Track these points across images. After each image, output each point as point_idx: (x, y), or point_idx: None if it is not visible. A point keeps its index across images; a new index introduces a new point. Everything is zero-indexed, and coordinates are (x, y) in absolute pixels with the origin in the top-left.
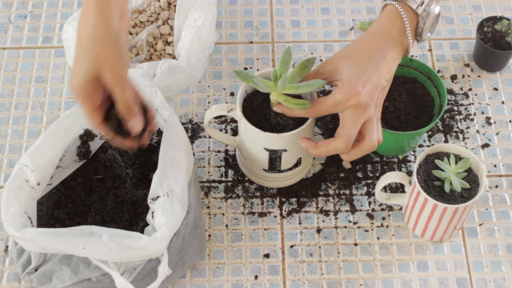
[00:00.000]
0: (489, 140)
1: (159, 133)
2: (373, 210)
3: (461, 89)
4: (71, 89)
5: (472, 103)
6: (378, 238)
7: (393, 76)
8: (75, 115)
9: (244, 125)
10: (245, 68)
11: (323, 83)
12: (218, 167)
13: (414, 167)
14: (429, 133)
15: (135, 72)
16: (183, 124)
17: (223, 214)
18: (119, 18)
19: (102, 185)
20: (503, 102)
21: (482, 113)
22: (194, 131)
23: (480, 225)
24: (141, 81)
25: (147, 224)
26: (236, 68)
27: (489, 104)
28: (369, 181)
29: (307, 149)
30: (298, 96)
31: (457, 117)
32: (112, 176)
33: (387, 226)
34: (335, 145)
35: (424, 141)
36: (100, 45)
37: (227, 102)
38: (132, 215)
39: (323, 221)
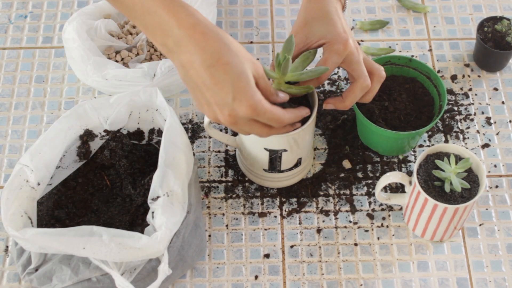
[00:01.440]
0: (489, 140)
1: (159, 133)
2: (373, 210)
3: (461, 89)
4: (252, 108)
5: (472, 103)
6: (378, 238)
7: None
8: (75, 115)
9: None
10: None
11: (326, 69)
12: (218, 167)
13: (414, 167)
14: (429, 133)
15: (135, 72)
16: (183, 124)
17: (223, 214)
18: None
19: (102, 185)
20: (503, 102)
21: (482, 113)
22: (194, 131)
23: (480, 225)
24: (141, 81)
25: (147, 224)
26: None
27: (489, 104)
28: (369, 181)
29: (336, 107)
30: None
31: (457, 117)
32: (112, 176)
33: (387, 226)
34: (359, 86)
35: (424, 141)
36: (239, 47)
37: None
38: (132, 215)
39: (323, 221)
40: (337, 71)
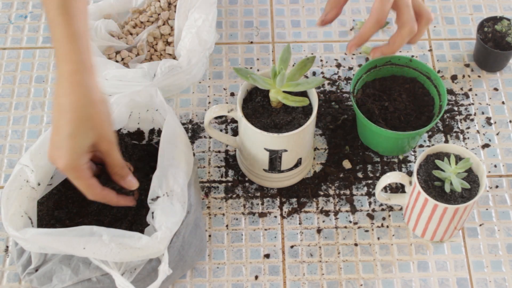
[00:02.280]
0: (489, 140)
1: (159, 133)
2: (373, 210)
3: (461, 89)
4: (65, 169)
5: (472, 103)
6: (378, 238)
7: None
8: None
9: (245, 125)
10: (245, 68)
11: (322, 80)
12: (218, 167)
13: (415, 167)
14: (429, 133)
15: (135, 72)
16: (183, 124)
17: (223, 214)
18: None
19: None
20: (503, 102)
21: (483, 113)
22: (194, 131)
23: (480, 225)
24: (141, 81)
25: (147, 224)
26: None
27: (489, 104)
28: (369, 181)
29: (384, 53)
30: (297, 95)
31: (457, 117)
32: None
33: (387, 226)
34: (407, 31)
35: (425, 141)
36: (96, 113)
37: (227, 103)
38: (132, 216)
39: (323, 221)
40: (337, 71)
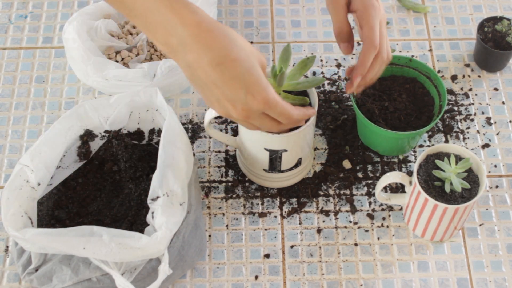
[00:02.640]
0: (490, 140)
1: (159, 133)
2: (373, 210)
3: (462, 89)
4: (270, 101)
5: (473, 103)
6: (378, 238)
7: None
8: (76, 115)
9: None
10: None
11: (322, 80)
12: (218, 167)
13: (415, 167)
14: (429, 133)
15: (135, 72)
16: (183, 124)
17: (223, 214)
18: None
19: (102, 185)
20: (503, 102)
21: (483, 113)
22: (194, 131)
23: (480, 225)
24: (141, 81)
25: (147, 224)
26: None
27: (489, 104)
28: (369, 181)
29: (363, 84)
30: (298, 94)
31: (458, 117)
32: (112, 175)
33: (387, 226)
34: (365, 50)
35: (425, 141)
36: (245, 42)
37: None
38: (132, 216)
39: (323, 221)
40: (338, 71)
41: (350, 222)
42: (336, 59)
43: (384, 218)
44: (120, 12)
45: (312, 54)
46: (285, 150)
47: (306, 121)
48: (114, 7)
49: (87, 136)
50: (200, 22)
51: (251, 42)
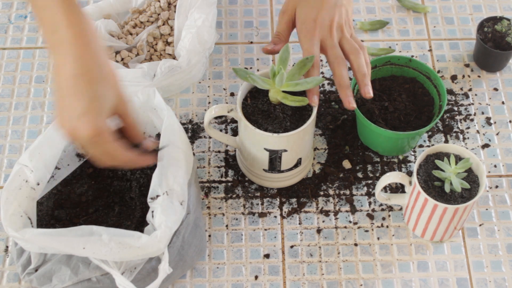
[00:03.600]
0: (489, 140)
1: (158, 133)
2: (373, 210)
3: (461, 89)
4: (92, 135)
5: (472, 103)
6: (378, 238)
7: None
8: None
9: (244, 126)
10: (245, 68)
11: (322, 80)
12: (218, 167)
13: (414, 167)
14: (429, 133)
15: (135, 72)
16: (183, 124)
17: (223, 214)
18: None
19: (101, 185)
20: (503, 102)
21: (482, 113)
22: (194, 131)
23: (480, 225)
24: (141, 81)
25: (147, 223)
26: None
27: (489, 104)
28: (369, 181)
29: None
30: (297, 94)
31: (457, 117)
32: (111, 175)
33: (387, 226)
34: (336, 71)
35: (424, 141)
36: (111, 72)
37: (227, 103)
38: (131, 215)
39: (323, 221)
40: None
41: (350, 222)
42: None
43: (384, 218)
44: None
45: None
46: (285, 150)
47: (307, 119)
48: None
49: None
50: (83, 33)
51: (251, 42)
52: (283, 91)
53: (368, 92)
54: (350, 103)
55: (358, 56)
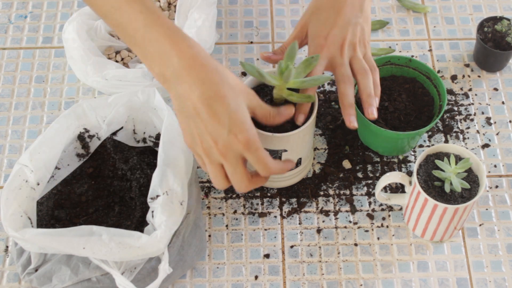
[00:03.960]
0: (489, 140)
1: (157, 134)
2: (373, 210)
3: (461, 89)
4: (251, 142)
5: (472, 103)
6: (378, 238)
7: (366, 11)
8: (74, 115)
9: None
10: None
11: (328, 77)
12: None
13: (414, 167)
14: (429, 133)
15: (135, 72)
16: None
17: (223, 214)
18: None
19: (101, 185)
20: (503, 102)
21: (482, 113)
22: None
23: (480, 225)
24: (141, 81)
25: (147, 223)
26: (237, 68)
27: (489, 104)
28: (369, 181)
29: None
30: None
31: (457, 117)
32: (111, 175)
33: (387, 226)
34: (341, 88)
35: (424, 141)
36: (238, 82)
37: None
38: (131, 215)
39: (323, 221)
40: None
41: (350, 222)
42: None
43: (384, 218)
44: (121, 40)
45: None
46: (285, 150)
47: (307, 119)
48: (116, 33)
49: (85, 135)
50: (196, 56)
51: (251, 42)
52: (289, 89)
53: (372, 113)
54: (351, 123)
55: (366, 76)
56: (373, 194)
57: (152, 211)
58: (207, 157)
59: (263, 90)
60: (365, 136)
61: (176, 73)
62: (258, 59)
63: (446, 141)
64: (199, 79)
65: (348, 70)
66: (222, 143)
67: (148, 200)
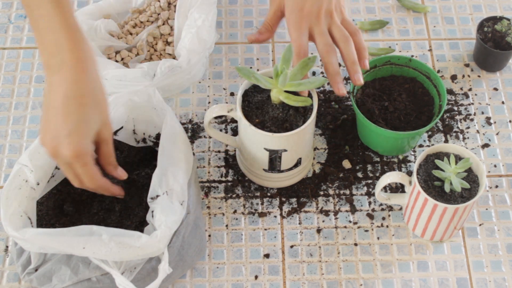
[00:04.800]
0: (489, 140)
1: (158, 133)
2: (373, 210)
3: (461, 89)
4: (75, 156)
5: (472, 103)
6: (378, 238)
7: None
8: None
9: (244, 125)
10: None
11: (325, 80)
12: (218, 167)
13: (414, 167)
14: (429, 133)
15: (135, 72)
16: (183, 124)
17: (223, 214)
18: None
19: None
20: (503, 102)
21: (482, 113)
22: (194, 131)
23: (480, 225)
24: (141, 81)
25: (147, 223)
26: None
27: (489, 104)
28: (369, 181)
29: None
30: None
31: (457, 117)
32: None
33: (387, 226)
34: (325, 60)
35: (424, 141)
36: (104, 99)
37: (227, 102)
38: (131, 215)
39: (323, 221)
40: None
41: (350, 222)
42: None
43: (384, 218)
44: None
45: (312, 54)
46: (285, 150)
47: (307, 119)
48: (25, 11)
49: None
50: (86, 59)
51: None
52: (285, 91)
53: (358, 79)
54: (340, 90)
55: (348, 43)
56: (373, 194)
57: (152, 211)
58: (45, 149)
59: (259, 92)
60: (365, 136)
61: (61, 64)
62: (258, 59)
63: (446, 141)
64: (74, 79)
65: (329, 38)
66: (55, 143)
67: (148, 200)
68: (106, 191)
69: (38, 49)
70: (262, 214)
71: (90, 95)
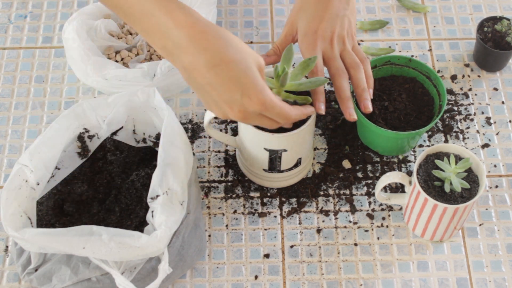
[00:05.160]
0: (489, 140)
1: (157, 134)
2: (373, 210)
3: (461, 89)
4: (267, 102)
5: (472, 103)
6: (378, 238)
7: (353, 3)
8: (74, 114)
9: (244, 125)
10: None
11: (325, 80)
12: (218, 167)
13: (414, 167)
14: (429, 133)
15: (135, 72)
16: (183, 124)
17: (223, 214)
18: None
19: (101, 184)
20: (503, 102)
21: (482, 113)
22: (194, 131)
23: (480, 225)
24: (141, 81)
25: (147, 223)
26: None
27: (489, 104)
28: (369, 181)
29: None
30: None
31: (457, 117)
32: (111, 175)
33: (387, 226)
34: (337, 83)
35: (424, 141)
36: (235, 39)
37: None
38: (131, 215)
39: (323, 221)
40: None
41: (350, 222)
42: None
43: (383, 218)
44: (120, 17)
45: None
46: (285, 150)
47: (305, 120)
48: (113, 12)
49: (85, 135)
50: (195, 24)
51: (251, 42)
52: (286, 91)
53: (367, 107)
54: (351, 115)
55: (358, 70)
56: (373, 194)
57: (152, 211)
58: (232, 119)
59: None
60: (365, 136)
61: (177, 45)
62: None
63: (446, 141)
64: (202, 47)
65: (341, 63)
66: (237, 108)
67: (148, 200)
68: (303, 116)
69: (145, 39)
70: (262, 214)
71: (226, 49)
